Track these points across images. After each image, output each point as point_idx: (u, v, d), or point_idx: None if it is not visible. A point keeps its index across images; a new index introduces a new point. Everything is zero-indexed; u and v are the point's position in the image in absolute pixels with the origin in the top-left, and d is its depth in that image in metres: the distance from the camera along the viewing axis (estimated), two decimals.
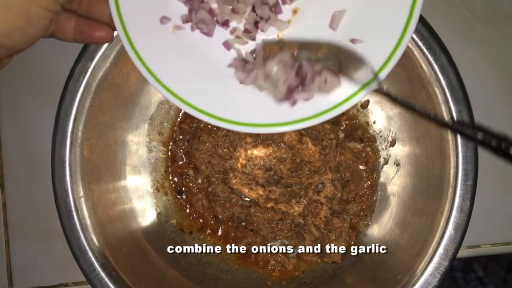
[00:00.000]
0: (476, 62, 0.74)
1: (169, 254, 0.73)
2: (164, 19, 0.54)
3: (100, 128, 0.68)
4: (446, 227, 0.61)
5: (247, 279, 0.75)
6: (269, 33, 0.55)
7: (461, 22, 0.74)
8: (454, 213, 0.61)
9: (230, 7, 0.54)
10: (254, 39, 0.55)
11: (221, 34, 0.56)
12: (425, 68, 0.62)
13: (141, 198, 0.75)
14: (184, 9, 0.55)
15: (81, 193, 0.65)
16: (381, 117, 0.75)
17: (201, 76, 0.55)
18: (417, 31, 0.61)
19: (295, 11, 0.56)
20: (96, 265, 0.64)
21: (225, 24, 0.55)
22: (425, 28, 0.61)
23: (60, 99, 0.64)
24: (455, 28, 0.74)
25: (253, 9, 0.54)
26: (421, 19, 0.61)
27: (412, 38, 0.61)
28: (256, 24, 0.55)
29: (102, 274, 0.63)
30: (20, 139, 0.78)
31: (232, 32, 0.55)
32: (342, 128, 0.77)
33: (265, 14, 0.54)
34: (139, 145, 0.76)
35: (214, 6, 0.54)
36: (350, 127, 0.77)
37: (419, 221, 0.66)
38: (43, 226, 0.76)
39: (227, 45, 0.55)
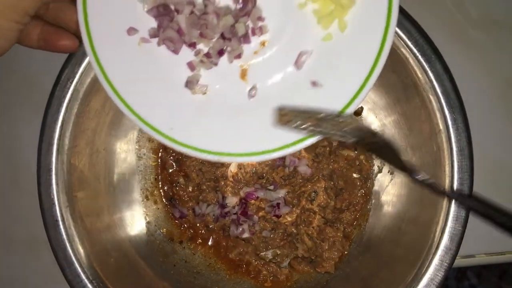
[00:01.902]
0: (470, 67, 0.73)
1: (159, 264, 0.72)
2: (131, 30, 0.54)
3: (88, 135, 0.66)
4: (441, 237, 0.60)
5: None
6: (234, 64, 0.56)
7: (455, 27, 0.74)
8: (449, 223, 0.60)
9: (199, 31, 0.55)
10: (216, 65, 0.56)
11: (188, 53, 0.56)
12: (419, 75, 0.61)
13: (130, 207, 0.73)
14: (153, 23, 0.55)
15: (68, 202, 0.63)
16: (375, 124, 0.74)
17: (161, 92, 0.56)
18: (411, 38, 0.61)
19: (263, 43, 0.56)
20: (83, 276, 0.62)
21: (192, 45, 0.56)
22: (419, 34, 0.60)
23: (46, 105, 0.63)
24: (449, 34, 0.74)
25: (223, 36, 0.55)
26: (415, 25, 0.61)
27: (407, 45, 0.61)
28: (220, 52, 0.55)
29: (89, 285, 0.62)
30: (5, 146, 0.76)
31: (196, 53, 0.56)
32: None
33: (233, 44, 0.55)
34: (128, 152, 0.74)
35: (184, 26, 0.55)
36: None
37: (413, 230, 0.65)
38: (29, 236, 0.74)
39: (191, 66, 0.56)
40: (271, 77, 0.57)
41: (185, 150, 0.55)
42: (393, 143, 0.53)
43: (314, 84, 0.55)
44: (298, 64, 0.55)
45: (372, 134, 0.52)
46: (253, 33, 0.56)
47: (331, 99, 0.54)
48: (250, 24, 0.56)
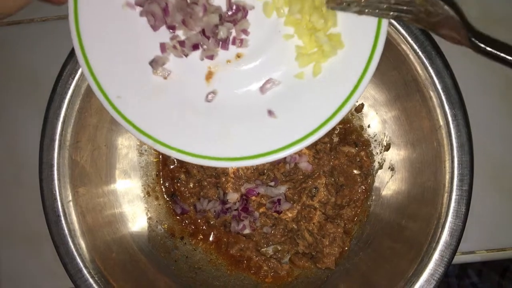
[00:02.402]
0: (471, 64, 0.73)
1: (160, 260, 0.72)
2: None
3: (90, 131, 0.67)
4: (441, 233, 0.60)
5: (239, 285, 0.74)
6: (204, 62, 0.57)
7: None
8: (449, 218, 0.60)
9: (182, 17, 0.55)
10: (186, 56, 0.56)
11: (165, 34, 0.56)
12: (420, 71, 0.61)
13: (131, 203, 0.73)
14: None
15: (70, 198, 0.64)
16: (376, 121, 0.74)
17: (123, 58, 0.56)
18: (412, 35, 0.61)
19: (238, 56, 0.57)
20: (85, 271, 0.62)
21: (172, 28, 0.56)
22: (420, 31, 0.60)
23: (48, 101, 0.63)
24: None
25: (203, 32, 0.55)
26: None
27: (407, 41, 0.61)
28: (195, 46, 0.56)
29: (91, 280, 0.62)
30: (7, 142, 0.76)
31: (172, 38, 0.56)
32: (336, 132, 0.76)
33: (210, 44, 0.56)
34: (129, 148, 0.75)
35: (171, 6, 0.55)
36: (344, 131, 0.76)
37: (414, 226, 0.65)
38: (31, 232, 0.75)
39: (163, 47, 0.56)
40: (234, 90, 0.57)
41: (120, 120, 0.55)
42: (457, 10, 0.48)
43: (270, 113, 0.56)
44: (263, 89, 0.56)
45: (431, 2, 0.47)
46: (233, 42, 0.56)
47: (278, 134, 0.55)
48: (233, 32, 0.56)
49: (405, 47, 0.61)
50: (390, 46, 0.62)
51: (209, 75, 0.57)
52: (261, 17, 0.56)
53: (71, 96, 0.63)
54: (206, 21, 0.55)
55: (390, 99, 0.69)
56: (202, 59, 0.57)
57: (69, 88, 0.63)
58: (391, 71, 0.65)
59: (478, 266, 1.15)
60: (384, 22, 0.51)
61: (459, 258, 0.72)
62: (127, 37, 0.56)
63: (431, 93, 0.61)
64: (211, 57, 0.57)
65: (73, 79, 0.63)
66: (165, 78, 0.57)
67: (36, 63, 0.76)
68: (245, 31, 0.56)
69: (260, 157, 0.55)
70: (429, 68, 0.61)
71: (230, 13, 0.55)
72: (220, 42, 0.56)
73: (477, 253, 0.73)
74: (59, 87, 0.63)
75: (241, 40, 0.56)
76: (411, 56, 0.61)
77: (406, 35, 0.61)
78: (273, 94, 0.56)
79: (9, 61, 0.76)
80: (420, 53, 0.61)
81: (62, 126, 0.63)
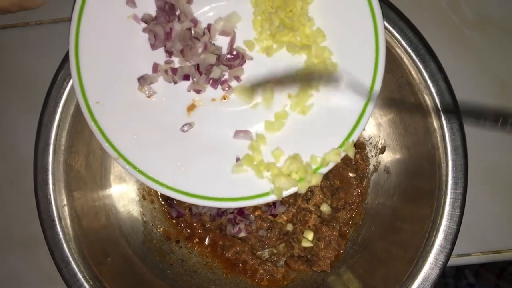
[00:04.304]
0: (465, 67, 0.73)
1: (155, 264, 0.72)
2: (131, 2, 0.56)
3: (85, 135, 0.66)
4: (436, 236, 0.60)
5: None
6: (189, 94, 0.59)
7: (450, 28, 0.74)
8: (444, 221, 0.60)
9: (182, 47, 0.56)
10: (175, 83, 0.58)
11: (160, 56, 0.58)
12: (414, 75, 0.62)
13: (127, 207, 0.73)
14: (153, 12, 0.57)
15: (64, 202, 0.64)
16: (371, 124, 0.74)
17: (114, 68, 0.58)
18: (406, 38, 0.61)
19: (224, 98, 0.59)
20: (80, 276, 0.62)
21: (169, 53, 0.58)
22: (414, 34, 0.61)
23: (43, 106, 0.63)
24: (444, 34, 0.74)
25: (198, 66, 0.57)
26: (410, 25, 0.61)
27: (401, 45, 0.61)
28: (186, 77, 0.58)
29: (86, 285, 0.62)
30: (2, 146, 0.76)
31: (167, 62, 0.58)
32: None
33: (201, 79, 0.57)
34: None
35: (174, 34, 0.56)
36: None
37: (409, 229, 0.65)
38: (26, 236, 0.74)
39: (155, 67, 0.58)
40: (211, 128, 0.59)
41: (91, 124, 0.57)
42: None
43: (237, 159, 0.58)
44: (237, 135, 0.59)
45: None
46: (222, 84, 0.58)
47: (235, 184, 0.57)
48: (226, 76, 0.58)
49: (399, 50, 0.62)
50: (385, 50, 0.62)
51: (191, 107, 0.59)
52: (256, 71, 0.58)
53: (66, 100, 0.63)
54: (203, 58, 0.56)
55: (385, 103, 0.69)
56: (189, 91, 0.58)
57: (64, 92, 0.63)
58: (386, 74, 0.65)
59: (475, 267, 1.15)
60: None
61: (454, 261, 0.72)
62: (123, 47, 0.57)
63: (426, 97, 0.61)
64: (198, 91, 0.58)
65: (67, 83, 0.62)
66: (148, 97, 0.58)
67: (31, 66, 0.76)
68: (237, 78, 0.58)
69: (213, 200, 0.57)
70: (423, 71, 0.61)
71: (228, 56, 0.57)
72: (211, 80, 0.57)
73: (472, 256, 0.73)
74: (54, 91, 0.63)
75: (229, 87, 0.58)
76: (406, 60, 0.62)
77: (400, 39, 0.61)
78: (244, 144, 0.59)
79: (4, 65, 0.76)
80: (414, 56, 0.61)
81: (57, 130, 0.63)
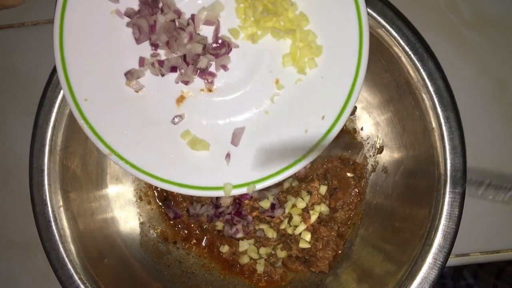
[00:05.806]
0: (464, 67, 0.73)
1: (152, 265, 0.72)
2: None
3: (81, 135, 0.66)
4: (434, 236, 0.60)
5: None
6: (178, 85, 0.59)
7: (448, 27, 0.74)
8: (442, 221, 0.60)
9: (167, 39, 0.56)
10: (162, 76, 0.58)
11: (146, 50, 0.57)
12: (412, 74, 0.61)
13: (123, 208, 0.73)
14: (136, 5, 0.57)
15: (60, 203, 0.63)
16: (369, 123, 0.74)
17: (100, 65, 0.57)
18: (404, 37, 0.61)
19: (209, 90, 0.59)
20: (76, 277, 0.62)
21: (155, 46, 0.57)
22: (412, 33, 0.60)
23: (38, 106, 0.63)
24: (442, 33, 0.74)
25: (184, 57, 0.57)
26: (408, 24, 0.61)
27: (399, 44, 0.61)
28: (173, 68, 0.57)
29: (82, 286, 0.62)
30: None
31: (153, 55, 0.57)
32: None
33: (188, 70, 0.57)
34: None
35: (158, 26, 0.56)
36: (337, 134, 0.76)
37: (407, 229, 0.65)
38: (21, 237, 0.74)
39: (142, 61, 0.57)
40: (201, 119, 0.59)
41: (81, 122, 0.57)
42: None
43: (228, 156, 0.58)
44: (235, 141, 0.59)
45: None
46: (210, 75, 0.58)
47: (226, 177, 0.58)
48: (213, 65, 0.58)
49: (397, 49, 0.61)
50: (383, 48, 0.62)
51: (181, 99, 0.59)
52: (243, 58, 0.58)
53: (61, 100, 0.63)
54: (189, 48, 0.56)
55: (383, 102, 0.69)
56: (177, 82, 0.58)
57: (59, 92, 0.62)
58: (384, 73, 0.65)
59: (473, 267, 1.15)
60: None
61: (453, 261, 0.71)
62: (108, 43, 0.57)
63: (424, 96, 0.61)
64: (186, 82, 0.58)
65: None
66: (136, 91, 0.58)
67: (26, 67, 0.75)
68: (224, 67, 0.58)
69: (206, 190, 0.57)
70: (421, 70, 0.61)
71: (214, 45, 0.57)
72: (198, 71, 0.57)
73: (471, 256, 0.73)
74: (49, 91, 0.62)
75: (212, 81, 0.58)
76: (403, 59, 0.61)
77: (398, 37, 0.61)
78: (245, 140, 0.59)
79: None
80: (412, 55, 0.61)
81: (53, 131, 0.63)
